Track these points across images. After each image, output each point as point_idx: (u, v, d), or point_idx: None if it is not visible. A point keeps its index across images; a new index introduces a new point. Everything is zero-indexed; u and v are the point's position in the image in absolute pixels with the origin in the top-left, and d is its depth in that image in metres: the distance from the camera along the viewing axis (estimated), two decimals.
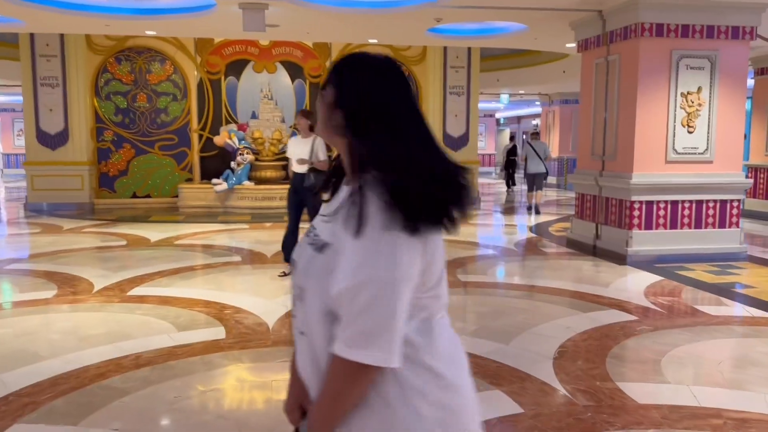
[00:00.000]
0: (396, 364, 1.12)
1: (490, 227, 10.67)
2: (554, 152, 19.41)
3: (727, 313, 5.12)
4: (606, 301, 5.33)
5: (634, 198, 7.02)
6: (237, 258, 7.29)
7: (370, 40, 11.55)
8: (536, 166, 12.39)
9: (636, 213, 7.05)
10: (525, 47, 12.21)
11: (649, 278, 6.23)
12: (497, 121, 31.89)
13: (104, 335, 4.39)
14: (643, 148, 7.01)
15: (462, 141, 13.77)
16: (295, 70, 13.48)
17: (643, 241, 7.03)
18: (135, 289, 5.75)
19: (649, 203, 7.05)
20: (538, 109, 28.29)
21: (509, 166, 20.70)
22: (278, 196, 11.94)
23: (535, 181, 12.40)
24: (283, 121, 13.54)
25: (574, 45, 10.58)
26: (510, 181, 18.71)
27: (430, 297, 1.22)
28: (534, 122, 33.01)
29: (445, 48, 13.43)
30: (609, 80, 7.47)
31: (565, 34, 8.92)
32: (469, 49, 13.50)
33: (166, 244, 8.29)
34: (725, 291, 5.80)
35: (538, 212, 12.14)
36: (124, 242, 8.50)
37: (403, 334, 1.13)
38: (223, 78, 13.24)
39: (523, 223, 10.89)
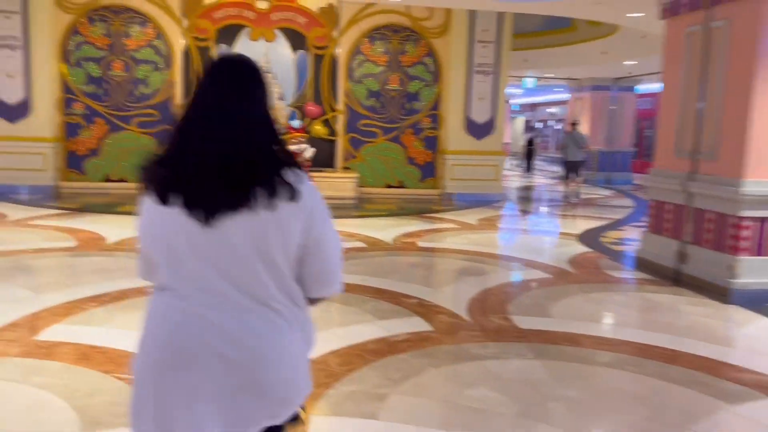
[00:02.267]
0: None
1: (529, 233, 8.87)
2: None
3: None
4: (750, 379, 3.56)
5: (744, 213, 5.22)
6: None
7: None
8: (576, 155, 12.72)
9: (746, 233, 5.25)
10: (579, 15, 10.31)
11: None
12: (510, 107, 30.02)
13: None
14: (761, 147, 5.19)
15: (486, 128, 11.93)
16: (297, 39, 11.61)
17: (756, 271, 5.24)
18: (52, 327, 3.99)
19: (766, 221, 5.26)
20: (556, 96, 26.39)
21: (529, 155, 19.93)
22: None
23: (574, 168, 12.79)
24: (282, 98, 11.67)
25: (637, 14, 8.74)
26: (528, 168, 19.61)
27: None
28: (549, 110, 31.14)
29: (472, 18, 11.55)
30: (710, 55, 5.63)
31: None
32: (500, 19, 11.62)
33: (125, 248, 6.52)
34: None
35: (577, 197, 12.70)
36: (73, 242, 6.73)
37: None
38: (213, 46, 11.37)
39: (568, 228, 9.09)
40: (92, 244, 6.70)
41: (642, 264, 6.42)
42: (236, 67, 1.47)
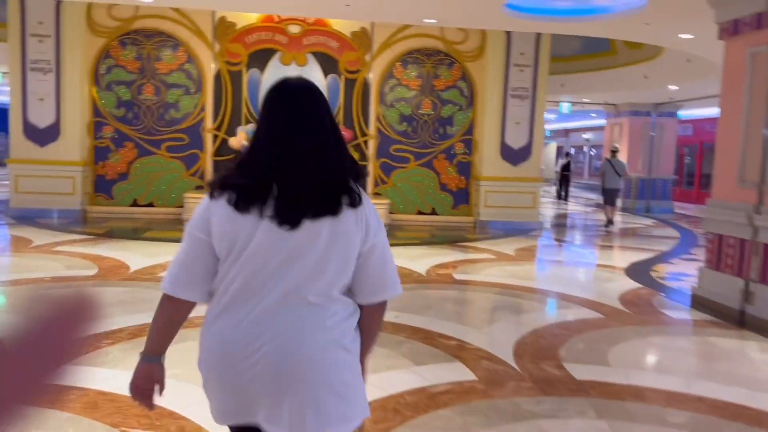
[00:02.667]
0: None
1: (572, 266, 8.34)
2: None
3: None
4: None
5: None
6: None
7: (426, 21, 9.38)
8: (615, 182, 12.56)
9: None
10: (626, 37, 9.87)
11: None
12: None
13: None
14: None
15: (523, 154, 11.50)
16: (329, 64, 11.41)
17: None
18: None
19: None
20: (591, 122, 25.82)
21: (563, 181, 19.47)
22: None
23: (610, 197, 12.60)
24: None
25: (688, 36, 8.29)
26: (563, 195, 18.92)
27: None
28: (584, 136, 30.52)
29: (508, 41, 11.22)
30: None
31: (691, 14, 6.65)
32: (537, 42, 11.26)
33: (147, 277, 6.23)
34: None
35: (611, 222, 12.49)
36: (94, 270, 6.47)
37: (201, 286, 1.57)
38: (244, 70, 11.23)
39: (613, 260, 8.57)
40: (114, 272, 6.43)
41: (700, 303, 5.88)
42: (306, 93, 1.58)
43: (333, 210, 1.48)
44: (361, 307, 1.60)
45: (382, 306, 1.62)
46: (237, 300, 1.48)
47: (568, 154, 22.93)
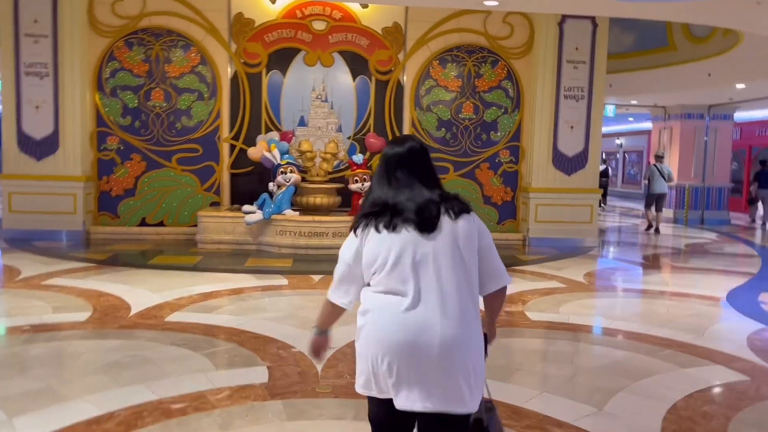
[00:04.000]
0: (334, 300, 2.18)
1: (663, 297, 6.88)
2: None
3: None
4: None
5: None
6: (258, 379, 3.88)
7: (487, 3, 8.08)
8: (661, 187, 12.71)
9: None
10: (730, 25, 8.44)
11: None
12: None
13: None
14: None
15: (578, 162, 10.17)
16: (358, 64, 10.19)
17: None
18: None
19: None
20: (627, 126, 24.39)
21: (601, 187, 18.17)
22: (331, 230, 8.61)
23: (657, 202, 12.78)
24: (340, 129, 10.24)
25: None
26: (601, 204, 17.88)
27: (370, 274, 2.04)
28: (617, 141, 29.12)
29: (560, 35, 9.93)
30: None
31: None
32: (594, 35, 9.97)
33: (151, 323, 5.00)
34: None
35: (658, 231, 12.58)
36: (87, 313, 5.25)
37: (350, 287, 2.13)
38: (264, 72, 10.05)
39: (704, 288, 7.20)
40: (111, 316, 5.20)
41: None
42: (417, 153, 2.13)
43: (453, 215, 2.05)
44: (485, 298, 2.20)
45: (498, 295, 2.21)
46: (393, 291, 1.98)
47: (605, 161, 21.57)
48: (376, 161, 9.55)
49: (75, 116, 9.34)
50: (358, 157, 9.27)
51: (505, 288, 2.14)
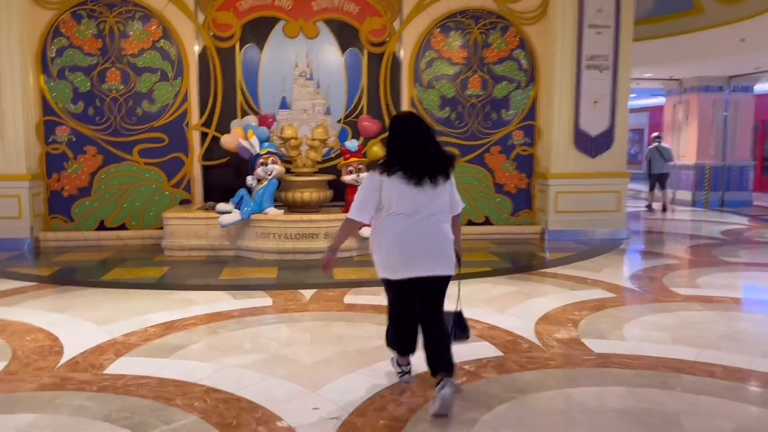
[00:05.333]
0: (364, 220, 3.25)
1: (739, 308, 5.49)
2: (690, 157, 14.32)
3: None
4: None
5: None
6: None
7: None
8: (661, 167, 12.84)
9: None
10: None
11: None
12: None
13: None
14: None
15: (603, 142, 8.87)
16: (346, 34, 8.80)
17: None
18: None
19: None
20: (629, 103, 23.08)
21: None
22: (323, 231, 7.27)
23: (659, 181, 12.92)
24: (328, 112, 8.86)
25: None
26: None
27: (385, 207, 3.17)
28: None
29: None
30: None
31: None
32: None
33: (81, 381, 3.64)
34: None
35: (665, 210, 12.74)
36: (1, 364, 3.89)
37: (371, 213, 3.22)
38: (238, 46, 8.63)
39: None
40: (31, 368, 3.84)
41: None
42: (418, 120, 3.28)
43: (445, 177, 3.21)
44: (452, 218, 3.33)
45: (457, 216, 3.37)
46: (400, 215, 3.16)
47: None
48: (372, 147, 8.21)
49: (16, 104, 7.89)
50: (352, 144, 7.90)
51: (459, 213, 3.37)
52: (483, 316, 4.90)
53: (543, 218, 8.99)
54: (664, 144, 13.20)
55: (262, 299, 5.46)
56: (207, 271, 6.70)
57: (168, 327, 4.63)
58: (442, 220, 3.20)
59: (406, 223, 3.13)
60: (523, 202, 9.24)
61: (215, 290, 5.81)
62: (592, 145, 8.87)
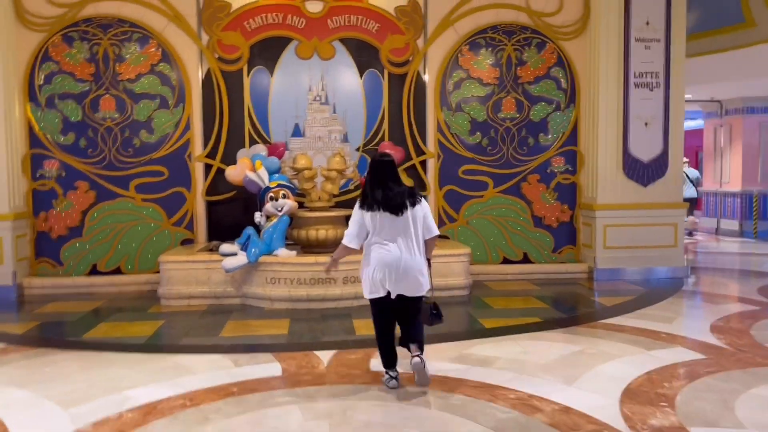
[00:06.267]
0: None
1: None
2: (735, 184, 13.22)
3: None
4: None
5: None
6: None
7: None
8: (689, 192, 12.07)
9: None
10: None
11: None
12: None
13: None
14: None
15: (656, 169, 7.87)
16: (365, 54, 7.95)
17: None
18: None
19: None
20: None
21: None
22: (341, 275, 6.29)
23: (689, 207, 11.14)
24: (346, 139, 7.96)
25: None
26: None
27: (370, 233, 3.94)
28: None
29: (626, 5, 7.68)
30: None
31: None
32: (668, 4, 7.73)
33: None
34: None
35: (691, 234, 12.42)
36: None
37: (362, 240, 3.99)
38: (245, 69, 7.80)
39: None
40: None
41: None
42: (389, 164, 3.99)
43: (412, 205, 3.90)
44: (425, 242, 4.00)
45: (432, 240, 4.02)
46: (382, 243, 3.88)
47: None
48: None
49: (1, 135, 7.08)
50: None
51: (433, 237, 4.03)
52: (548, 390, 3.85)
53: (590, 255, 7.95)
54: (691, 168, 12.86)
55: (270, 365, 4.46)
56: (207, 325, 5.73)
57: (149, 411, 3.64)
58: (416, 246, 3.92)
59: (385, 251, 3.88)
60: (566, 236, 8.21)
61: (214, 353, 4.82)
62: (644, 171, 7.86)
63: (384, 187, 3.86)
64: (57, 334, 5.62)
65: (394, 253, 3.83)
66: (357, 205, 3.95)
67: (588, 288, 7.40)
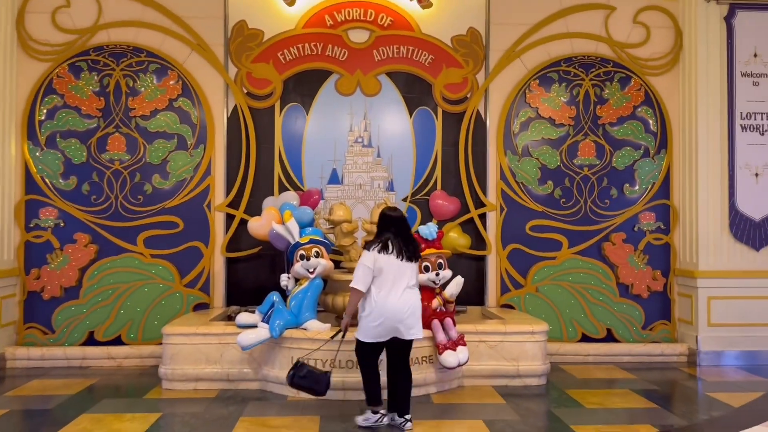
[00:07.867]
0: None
1: None
2: None
3: None
4: None
5: None
6: None
7: None
8: None
9: None
10: None
11: None
12: None
13: None
14: None
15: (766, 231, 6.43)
16: (416, 90, 6.81)
17: None
18: None
19: None
20: None
21: None
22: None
23: None
24: (391, 187, 6.74)
25: None
26: None
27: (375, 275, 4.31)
28: None
29: (729, 34, 6.44)
30: None
31: None
32: None
33: None
34: None
35: None
36: None
37: (368, 281, 4.31)
38: (278, 106, 6.72)
39: None
40: None
41: None
42: (401, 219, 4.48)
43: (415, 258, 4.44)
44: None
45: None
46: (386, 288, 4.25)
47: None
48: (450, 233, 6.01)
49: None
50: (428, 229, 5.62)
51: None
52: None
53: (689, 333, 6.45)
54: None
55: None
56: (213, 422, 4.40)
57: None
58: (414, 292, 4.39)
59: (386, 294, 4.24)
60: (659, 309, 6.73)
61: None
62: (755, 232, 6.43)
63: (404, 236, 4.40)
64: (24, 427, 4.35)
65: (395, 299, 4.23)
66: (367, 252, 4.31)
67: (692, 376, 5.88)
